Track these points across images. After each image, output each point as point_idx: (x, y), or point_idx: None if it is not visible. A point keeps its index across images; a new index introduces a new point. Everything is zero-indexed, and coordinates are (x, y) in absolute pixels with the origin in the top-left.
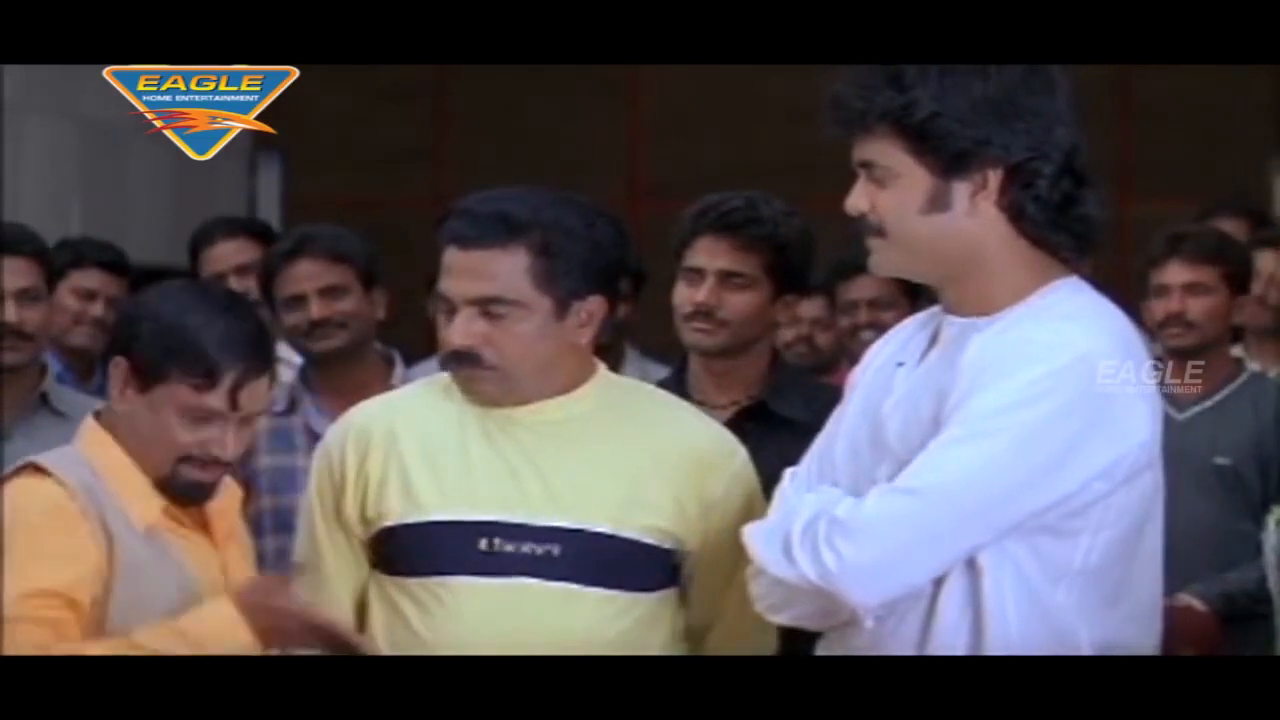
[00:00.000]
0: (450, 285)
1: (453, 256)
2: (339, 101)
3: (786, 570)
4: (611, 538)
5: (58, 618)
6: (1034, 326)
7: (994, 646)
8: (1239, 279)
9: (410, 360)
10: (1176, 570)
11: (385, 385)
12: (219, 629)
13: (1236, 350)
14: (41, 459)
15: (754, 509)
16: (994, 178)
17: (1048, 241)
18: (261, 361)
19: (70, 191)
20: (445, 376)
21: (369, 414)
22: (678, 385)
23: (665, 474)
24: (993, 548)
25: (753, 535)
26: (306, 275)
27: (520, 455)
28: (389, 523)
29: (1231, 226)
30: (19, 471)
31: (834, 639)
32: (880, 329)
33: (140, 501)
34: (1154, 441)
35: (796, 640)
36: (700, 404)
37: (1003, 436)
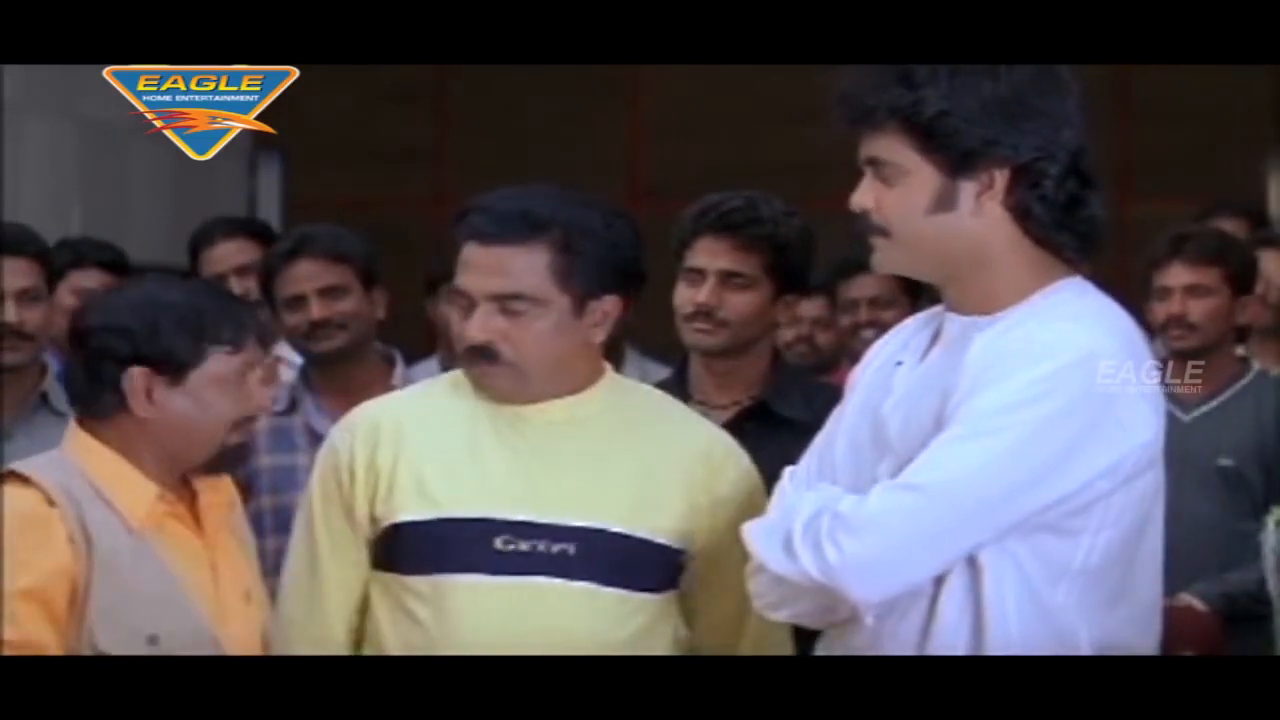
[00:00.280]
0: (469, 280)
1: (472, 252)
2: (339, 101)
3: (787, 567)
4: (625, 537)
5: (28, 639)
6: (1038, 326)
7: (994, 646)
8: (1241, 280)
9: (410, 360)
10: (1179, 570)
11: (386, 385)
12: None
13: (1241, 350)
14: (21, 465)
15: (757, 510)
16: (1000, 178)
17: (1052, 242)
18: (261, 308)
19: (70, 192)
20: (452, 375)
21: (377, 411)
22: (678, 385)
23: (675, 474)
24: (994, 546)
25: (753, 532)
26: (306, 275)
27: (532, 454)
28: (399, 519)
29: (1231, 226)
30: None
31: (833, 638)
32: (881, 328)
33: (133, 494)
34: (1156, 442)
35: (796, 640)
36: (701, 404)
37: (1006, 435)
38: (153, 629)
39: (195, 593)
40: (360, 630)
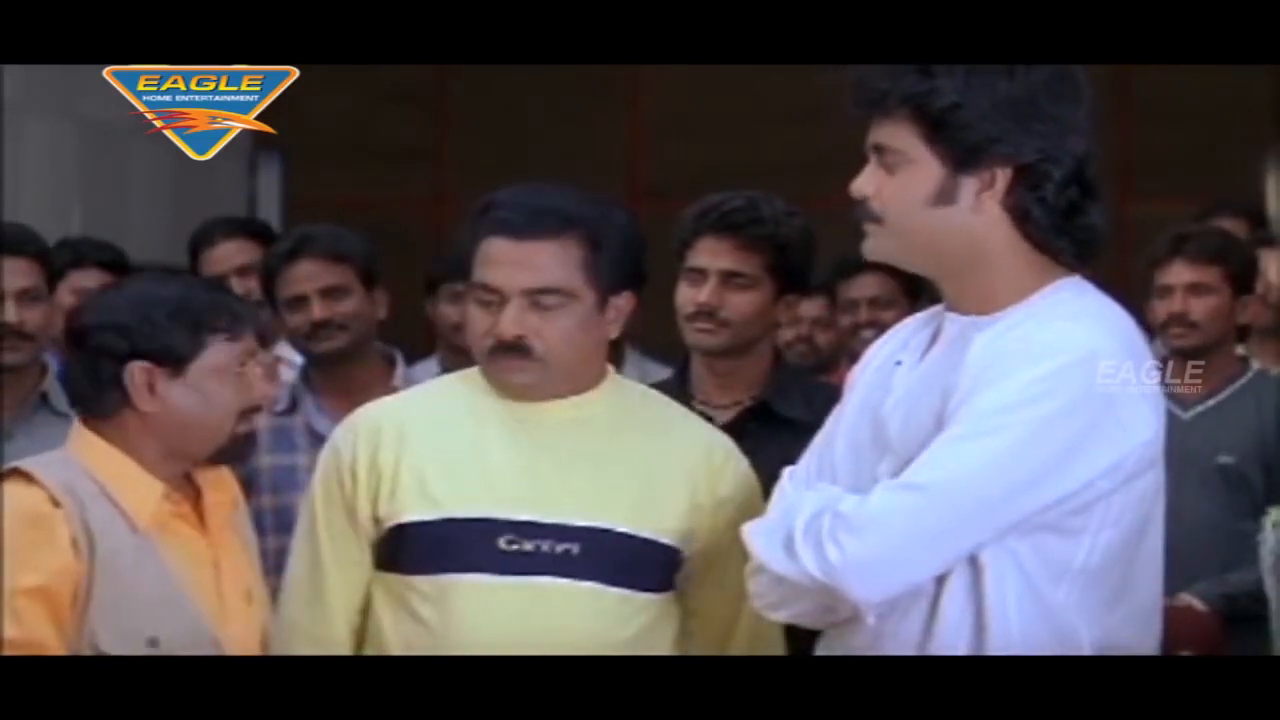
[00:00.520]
0: (499, 276)
1: (501, 247)
2: (339, 101)
3: (788, 566)
4: (629, 537)
5: (29, 638)
6: (1038, 325)
7: (996, 645)
8: (1242, 279)
9: (411, 360)
10: (1179, 570)
11: (386, 385)
12: None
13: (1241, 349)
14: (26, 464)
15: (756, 510)
16: (1002, 177)
17: (1049, 246)
18: (257, 303)
19: (70, 192)
20: (455, 376)
21: (378, 412)
22: (679, 386)
23: (677, 475)
24: (995, 546)
25: (752, 532)
26: (307, 276)
27: (537, 453)
28: (402, 520)
29: (1231, 226)
30: (4, 476)
31: (833, 638)
32: (880, 327)
33: (138, 492)
34: (1156, 441)
35: (796, 640)
36: (702, 404)
37: (1007, 434)
38: (153, 631)
39: (197, 593)
40: (362, 631)
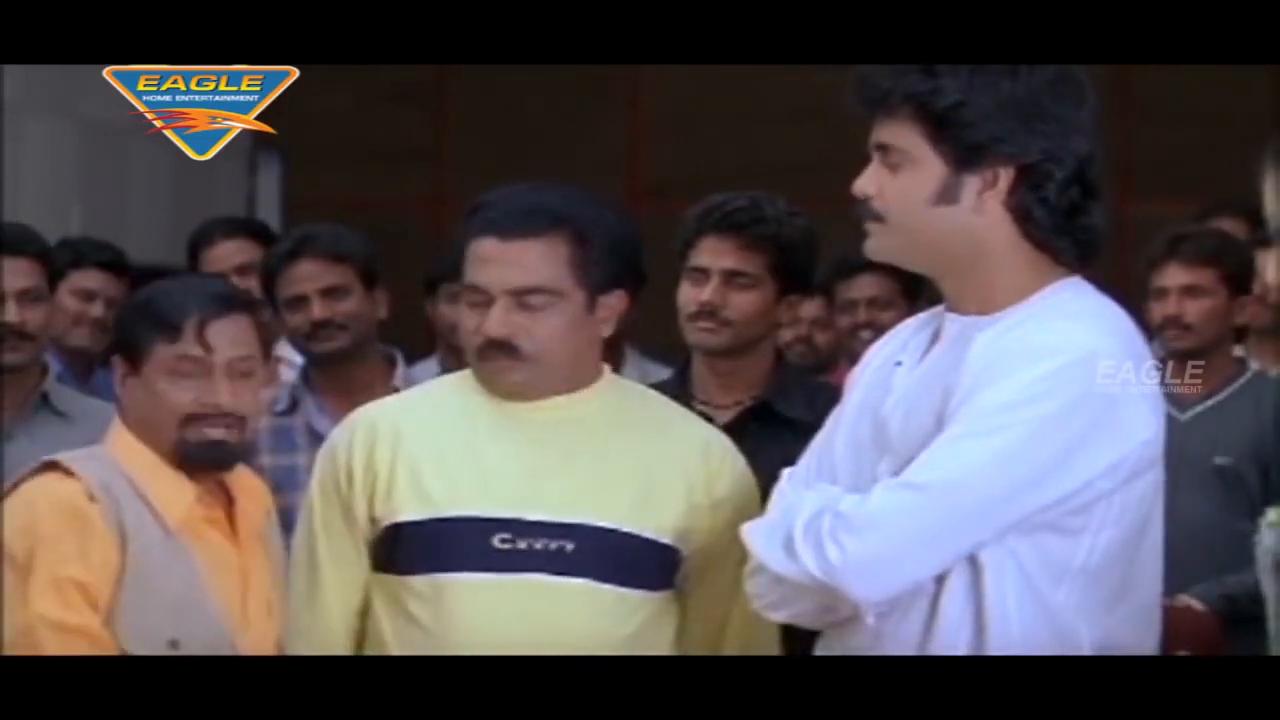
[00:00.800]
0: (486, 275)
1: (490, 247)
2: (339, 101)
3: (787, 566)
4: (625, 535)
5: (79, 624)
6: (1039, 325)
7: (996, 645)
8: (1239, 280)
9: (411, 360)
10: (1177, 570)
11: (387, 385)
12: None
13: (1239, 350)
14: (63, 457)
15: (754, 510)
16: (1005, 176)
17: (1050, 246)
18: (219, 304)
19: (70, 192)
20: (451, 377)
21: (374, 412)
22: (680, 386)
23: (674, 473)
24: (995, 545)
25: (752, 532)
26: (307, 276)
27: (532, 452)
28: (398, 519)
29: (1230, 226)
30: (42, 470)
31: (833, 638)
32: (879, 328)
33: (172, 493)
34: (1156, 441)
35: (795, 640)
36: (703, 404)
37: (1008, 433)
38: (174, 633)
39: (221, 600)
40: (361, 632)
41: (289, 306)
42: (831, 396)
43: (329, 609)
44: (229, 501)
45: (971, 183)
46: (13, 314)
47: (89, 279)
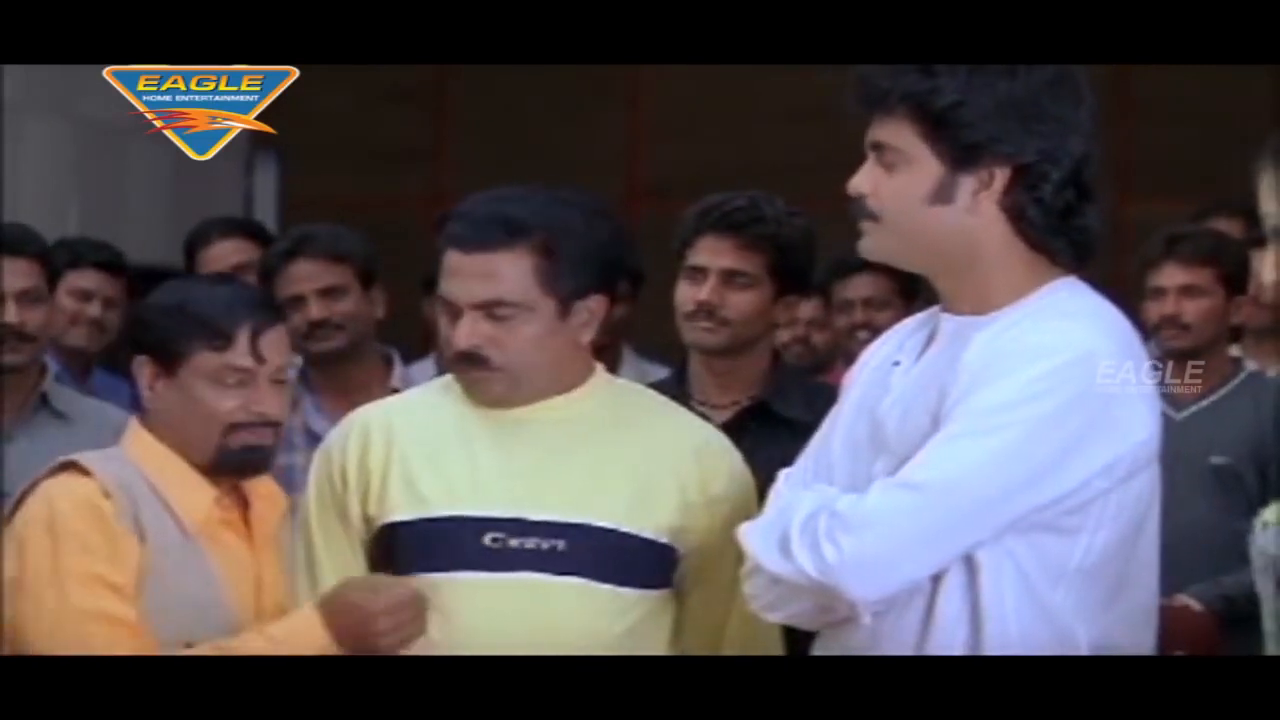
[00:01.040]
0: (454, 288)
1: (455, 259)
2: (337, 101)
3: (784, 566)
4: (618, 533)
5: (122, 614)
6: (1035, 324)
7: (992, 645)
8: (1236, 280)
9: (409, 360)
10: (1174, 570)
11: (384, 385)
12: (298, 628)
13: (1235, 350)
14: (81, 457)
15: (751, 507)
16: (1000, 176)
17: (1046, 246)
18: (269, 314)
19: (68, 191)
20: (445, 379)
21: (368, 414)
22: (678, 385)
23: (668, 471)
24: (991, 545)
25: (748, 533)
26: (305, 275)
27: (524, 453)
28: (392, 519)
29: (1227, 226)
30: (60, 469)
31: (830, 637)
32: (875, 328)
33: (191, 495)
34: (1153, 441)
35: (793, 640)
36: (701, 404)
37: (1005, 433)
38: (189, 635)
39: (235, 603)
40: None
41: (287, 306)
42: (829, 396)
43: None
44: (244, 505)
45: (967, 183)
46: (12, 315)
47: (86, 279)
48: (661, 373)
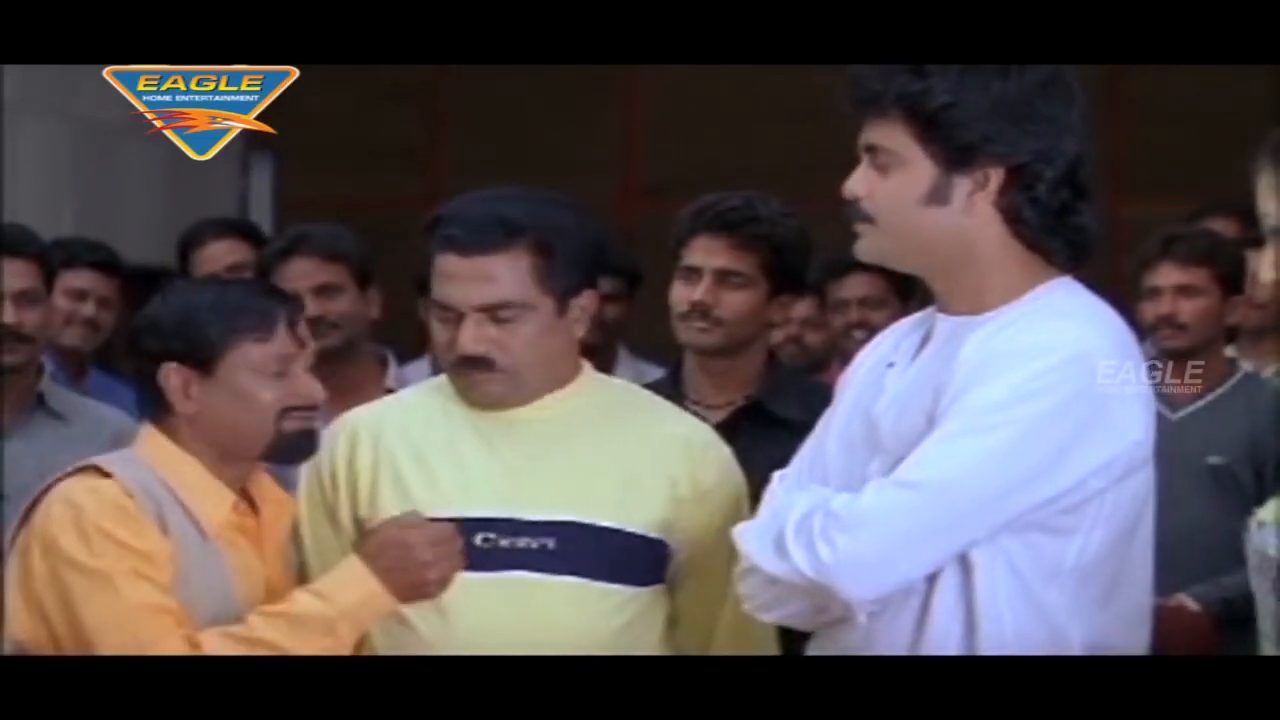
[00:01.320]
0: (453, 293)
1: (451, 263)
2: (332, 102)
3: (779, 566)
4: (608, 530)
5: (171, 605)
6: (1030, 324)
7: (987, 645)
8: (1231, 280)
9: (404, 360)
10: (1171, 570)
11: (378, 385)
12: (345, 577)
13: (1230, 350)
14: (100, 460)
15: (742, 502)
16: (995, 177)
17: (1042, 246)
18: (295, 300)
19: (63, 191)
20: (435, 380)
21: (355, 416)
22: (673, 386)
23: (656, 466)
24: (986, 545)
25: (743, 533)
26: (301, 273)
27: (512, 451)
28: (381, 521)
29: (1223, 226)
30: (78, 471)
31: (825, 637)
32: (871, 328)
33: (210, 498)
34: (1148, 441)
35: (788, 639)
36: (696, 404)
37: (1001, 432)
38: None
39: (248, 609)
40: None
41: None
42: (824, 396)
43: None
44: (255, 511)
45: (962, 184)
46: (10, 315)
47: (81, 279)
48: (657, 373)
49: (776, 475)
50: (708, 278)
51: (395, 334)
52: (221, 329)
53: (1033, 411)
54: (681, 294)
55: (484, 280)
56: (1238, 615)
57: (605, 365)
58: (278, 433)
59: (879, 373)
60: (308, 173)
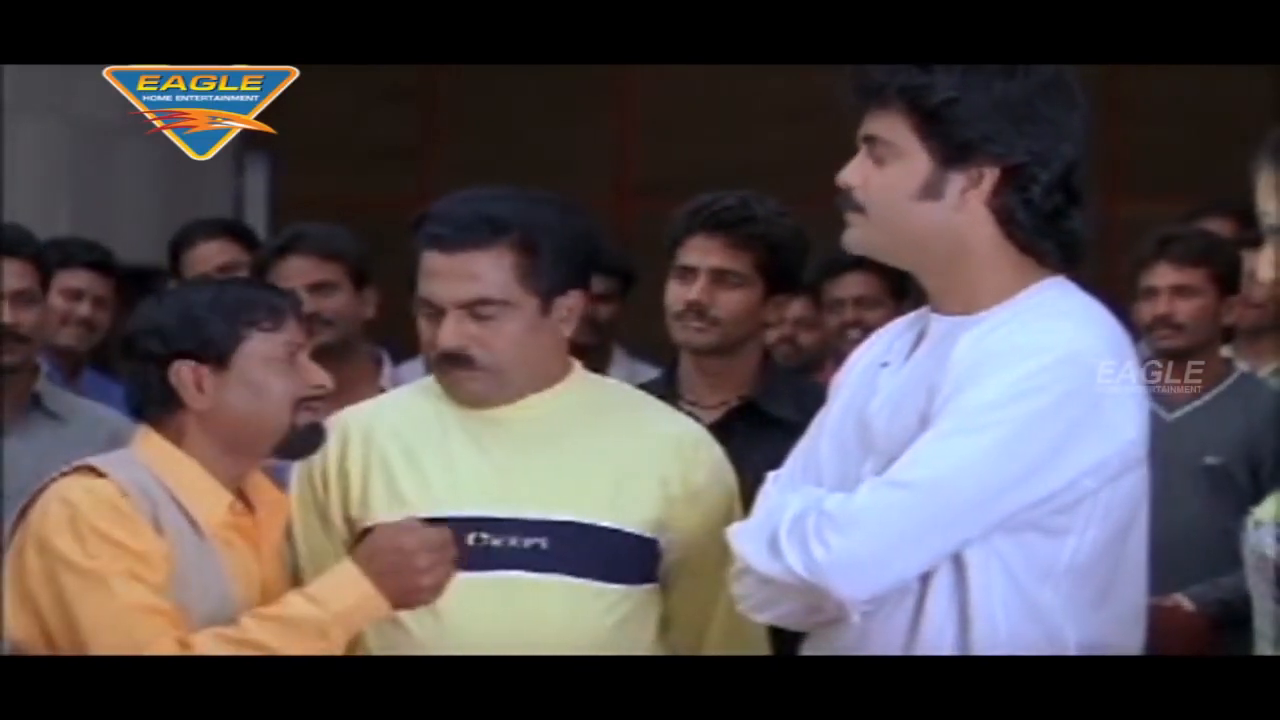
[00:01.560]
0: (435, 289)
1: (435, 260)
2: (327, 102)
3: (772, 566)
4: (600, 529)
5: (165, 605)
6: (1024, 324)
7: (981, 644)
8: (1228, 280)
9: (398, 359)
10: (1167, 570)
11: (373, 384)
12: (339, 581)
13: (1226, 350)
14: (96, 460)
15: (734, 502)
16: (990, 176)
17: (1034, 248)
18: (294, 294)
19: (59, 191)
20: (425, 380)
21: (346, 416)
22: (668, 385)
23: (647, 465)
24: (980, 544)
25: (737, 534)
26: (297, 272)
27: (503, 451)
28: (373, 521)
29: (1219, 226)
30: (74, 471)
31: (819, 637)
32: (866, 327)
33: (207, 498)
34: (1141, 441)
35: (781, 639)
36: (691, 404)
37: (994, 431)
38: None
39: (244, 609)
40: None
41: None
42: (819, 396)
43: None
44: (252, 511)
45: (956, 180)
46: (7, 316)
47: (77, 278)
48: (652, 373)
49: (770, 476)
50: (703, 277)
51: (391, 334)
52: (230, 322)
53: (1026, 411)
54: (676, 293)
55: (466, 277)
56: (1234, 615)
57: (600, 365)
58: (293, 426)
59: (873, 373)
60: (305, 173)
